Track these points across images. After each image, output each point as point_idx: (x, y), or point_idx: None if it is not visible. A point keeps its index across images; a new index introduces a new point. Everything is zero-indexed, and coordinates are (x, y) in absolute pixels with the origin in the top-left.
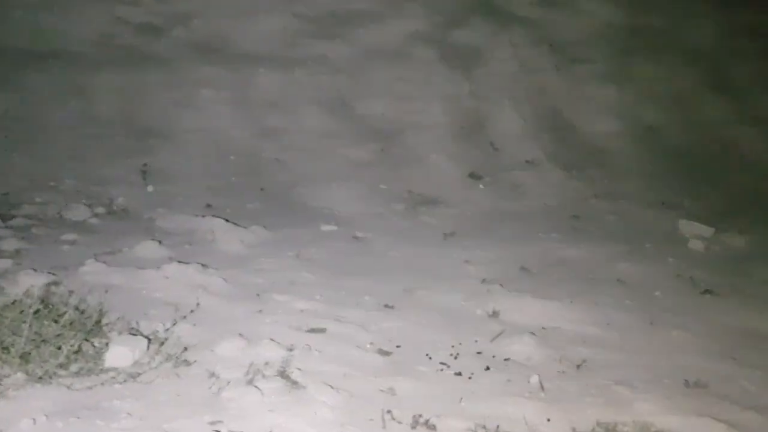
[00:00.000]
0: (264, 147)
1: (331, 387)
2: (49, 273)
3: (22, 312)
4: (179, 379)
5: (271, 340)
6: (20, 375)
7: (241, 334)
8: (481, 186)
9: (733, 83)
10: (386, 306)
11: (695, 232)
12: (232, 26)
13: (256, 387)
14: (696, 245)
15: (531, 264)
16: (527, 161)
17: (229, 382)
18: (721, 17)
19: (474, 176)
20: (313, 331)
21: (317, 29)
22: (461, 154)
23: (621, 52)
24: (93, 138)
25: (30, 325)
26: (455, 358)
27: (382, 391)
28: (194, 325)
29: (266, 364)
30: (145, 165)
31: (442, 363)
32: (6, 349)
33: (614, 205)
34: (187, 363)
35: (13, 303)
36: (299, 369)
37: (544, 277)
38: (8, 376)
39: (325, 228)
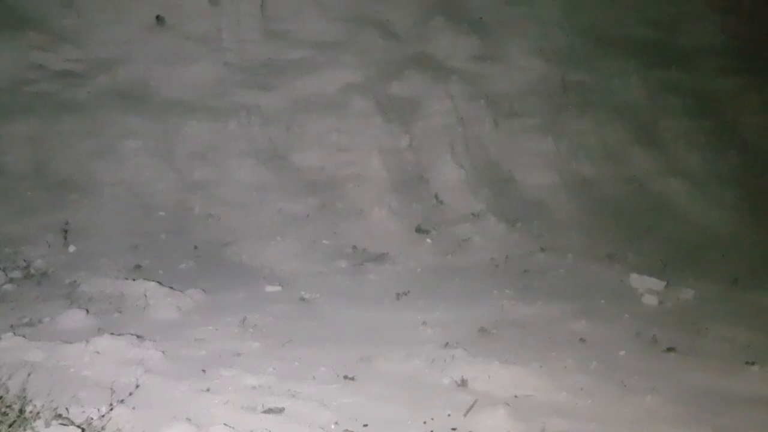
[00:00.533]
0: (194, 201)
1: None
2: None
3: None
4: None
5: (225, 425)
6: None
7: (189, 419)
8: (428, 240)
9: (660, 138)
10: (345, 377)
11: (646, 286)
12: (159, 74)
13: None
14: (650, 300)
15: (489, 324)
16: (472, 214)
17: None
18: (646, 75)
19: (420, 230)
20: (269, 411)
21: (249, 79)
22: (404, 207)
23: (555, 107)
24: (2, 192)
25: None
26: None
27: None
28: (133, 408)
29: None
30: (66, 224)
31: None
32: None
33: (561, 259)
34: None
35: None
36: None
37: (505, 338)
38: None
39: (269, 289)
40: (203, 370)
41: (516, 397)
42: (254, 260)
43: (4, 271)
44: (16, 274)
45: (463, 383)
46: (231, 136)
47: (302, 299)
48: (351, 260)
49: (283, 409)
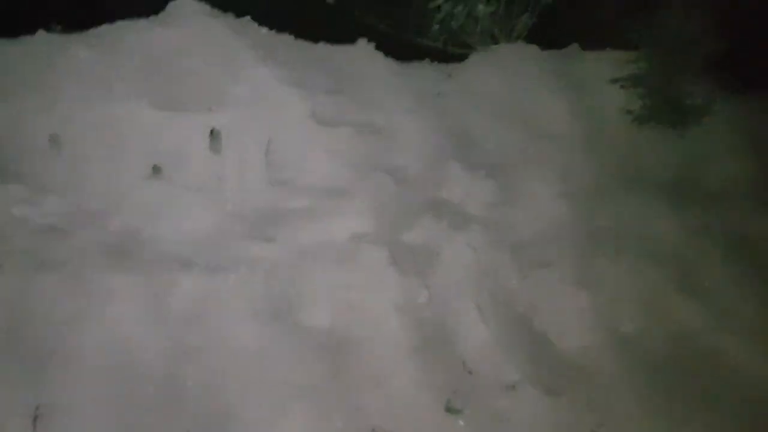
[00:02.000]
0: (187, 371)
1: None
2: None
3: None
4: None
5: None
6: None
7: None
8: (460, 422)
9: (704, 287)
10: None
11: None
12: (152, 226)
13: None
14: None
15: None
16: (507, 386)
17: None
18: (678, 218)
19: (451, 410)
20: None
21: (251, 229)
22: (429, 376)
23: (585, 254)
24: None
25: None
26: None
27: None
28: None
29: None
30: (37, 408)
31: None
32: None
33: None
34: None
35: None
36: None
37: None
38: None
39: None
40: None
41: None
42: None
43: None
44: None
45: None
46: (230, 294)
47: None
48: None
49: None
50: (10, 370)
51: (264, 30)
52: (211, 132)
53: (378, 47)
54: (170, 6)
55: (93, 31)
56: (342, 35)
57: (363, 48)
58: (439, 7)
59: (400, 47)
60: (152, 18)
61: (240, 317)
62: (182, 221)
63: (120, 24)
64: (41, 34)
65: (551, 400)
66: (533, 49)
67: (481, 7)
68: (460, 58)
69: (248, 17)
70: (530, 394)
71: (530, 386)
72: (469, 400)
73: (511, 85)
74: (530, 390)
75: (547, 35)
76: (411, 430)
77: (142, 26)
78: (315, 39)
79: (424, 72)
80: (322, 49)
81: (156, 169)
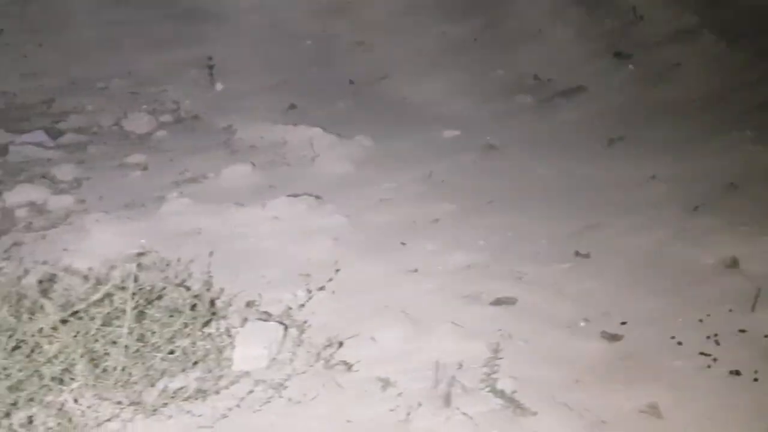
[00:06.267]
0: (340, 26)
1: (568, 407)
2: (124, 215)
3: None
4: (342, 392)
5: (453, 323)
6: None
7: (405, 312)
8: (630, 66)
9: None
10: (577, 254)
11: None
12: None
13: (460, 412)
14: None
15: (739, 178)
16: (679, 30)
17: (420, 404)
18: None
19: (621, 55)
20: (499, 302)
21: None
22: (592, 24)
23: None
24: (129, 24)
25: (130, 333)
26: (716, 342)
27: (640, 411)
28: (333, 293)
29: (460, 366)
30: (210, 59)
31: (702, 353)
32: (105, 371)
33: None
34: (346, 365)
35: (102, 299)
36: (513, 377)
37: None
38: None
39: (447, 133)
40: (402, 243)
41: None
42: (418, 96)
43: (153, 114)
44: (167, 117)
45: (734, 263)
46: None
47: (490, 146)
48: (535, 94)
49: (516, 299)
50: (175, 27)
51: None
52: None
53: None
54: None
55: None
56: None
57: None
58: None
59: None
60: None
61: None
62: None
63: None
64: None
65: (725, 46)
66: None
67: None
68: None
69: None
70: (704, 39)
71: (705, 31)
72: (638, 46)
73: None
74: (704, 35)
75: None
76: (575, 76)
77: None
78: None
79: None
80: None
81: None
